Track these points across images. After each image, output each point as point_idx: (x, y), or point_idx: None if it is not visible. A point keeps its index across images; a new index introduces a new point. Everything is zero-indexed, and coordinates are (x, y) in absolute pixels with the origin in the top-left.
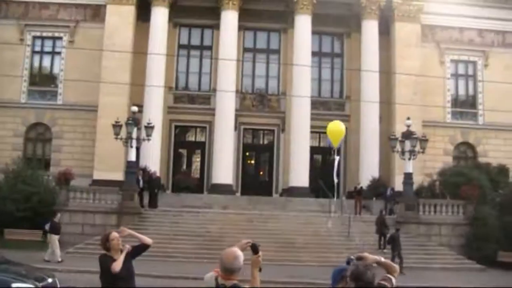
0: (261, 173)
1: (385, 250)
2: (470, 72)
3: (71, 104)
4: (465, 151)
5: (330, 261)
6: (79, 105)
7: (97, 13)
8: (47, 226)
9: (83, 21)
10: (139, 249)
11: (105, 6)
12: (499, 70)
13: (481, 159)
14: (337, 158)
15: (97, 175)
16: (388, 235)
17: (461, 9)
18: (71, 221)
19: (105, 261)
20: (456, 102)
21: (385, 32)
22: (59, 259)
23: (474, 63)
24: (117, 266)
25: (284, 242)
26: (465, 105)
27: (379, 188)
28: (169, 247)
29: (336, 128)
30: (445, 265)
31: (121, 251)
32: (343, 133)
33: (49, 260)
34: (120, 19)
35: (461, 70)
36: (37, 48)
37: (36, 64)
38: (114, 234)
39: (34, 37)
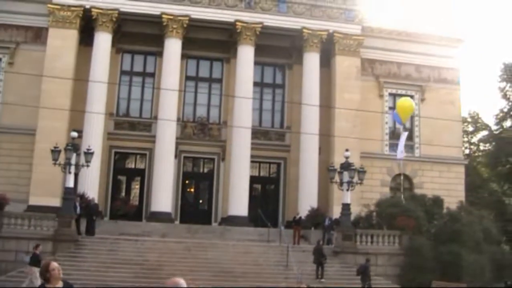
0: (201, 201)
1: (322, 280)
2: None
3: (8, 127)
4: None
5: None
6: (17, 128)
7: (38, 35)
8: (27, 258)
9: (23, 43)
10: None
11: (47, 28)
12: (435, 104)
13: (417, 191)
14: (405, 133)
15: (33, 201)
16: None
17: (399, 44)
18: (4, 248)
19: None
20: (393, 134)
21: (326, 65)
22: None
23: (411, 97)
24: None
25: (223, 271)
26: None
27: (317, 218)
28: (106, 275)
29: (406, 104)
30: None
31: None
32: (413, 109)
33: None
34: (62, 43)
35: None
36: None
37: None
38: (54, 264)
39: None
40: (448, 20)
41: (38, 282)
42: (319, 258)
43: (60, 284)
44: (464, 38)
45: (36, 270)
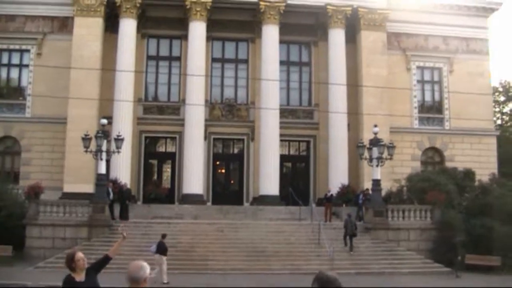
0: (232, 182)
1: (352, 252)
2: (436, 78)
3: (40, 117)
4: (433, 156)
5: (301, 268)
6: (48, 118)
7: (64, 25)
8: (153, 247)
9: (50, 33)
10: (101, 263)
11: (72, 18)
12: (463, 76)
13: (449, 164)
14: None
15: (67, 188)
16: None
17: (426, 16)
18: (41, 235)
19: (68, 283)
20: (422, 108)
21: (352, 40)
22: (165, 281)
23: (440, 69)
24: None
25: (255, 251)
26: (432, 111)
27: (348, 194)
28: (141, 258)
29: None
30: (414, 270)
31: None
32: None
33: (166, 282)
34: (88, 31)
35: (427, 77)
36: (5, 61)
37: (3, 76)
38: (79, 255)
39: (1, 50)
40: None
41: (165, 268)
42: (353, 230)
43: (84, 273)
44: (493, 7)
45: (164, 259)
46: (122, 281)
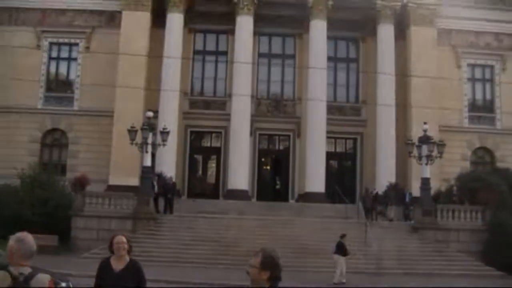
0: (277, 178)
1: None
2: (488, 76)
3: (87, 109)
4: (483, 156)
5: (348, 267)
6: (95, 111)
7: (112, 19)
8: (332, 248)
9: (99, 27)
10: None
11: (120, 12)
12: None
13: (500, 164)
14: None
15: (113, 181)
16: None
17: (477, 12)
18: (86, 226)
19: (101, 267)
20: (473, 106)
21: (401, 36)
22: (344, 280)
23: (491, 67)
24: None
25: (300, 248)
26: (483, 110)
27: (396, 193)
28: (185, 252)
29: None
30: (464, 272)
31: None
32: None
33: (337, 283)
34: (135, 25)
35: (478, 74)
36: (54, 54)
37: (52, 70)
38: (119, 238)
39: (51, 43)
40: None
41: (344, 271)
42: (373, 204)
43: (126, 260)
44: None
45: (342, 259)
46: (170, 274)
